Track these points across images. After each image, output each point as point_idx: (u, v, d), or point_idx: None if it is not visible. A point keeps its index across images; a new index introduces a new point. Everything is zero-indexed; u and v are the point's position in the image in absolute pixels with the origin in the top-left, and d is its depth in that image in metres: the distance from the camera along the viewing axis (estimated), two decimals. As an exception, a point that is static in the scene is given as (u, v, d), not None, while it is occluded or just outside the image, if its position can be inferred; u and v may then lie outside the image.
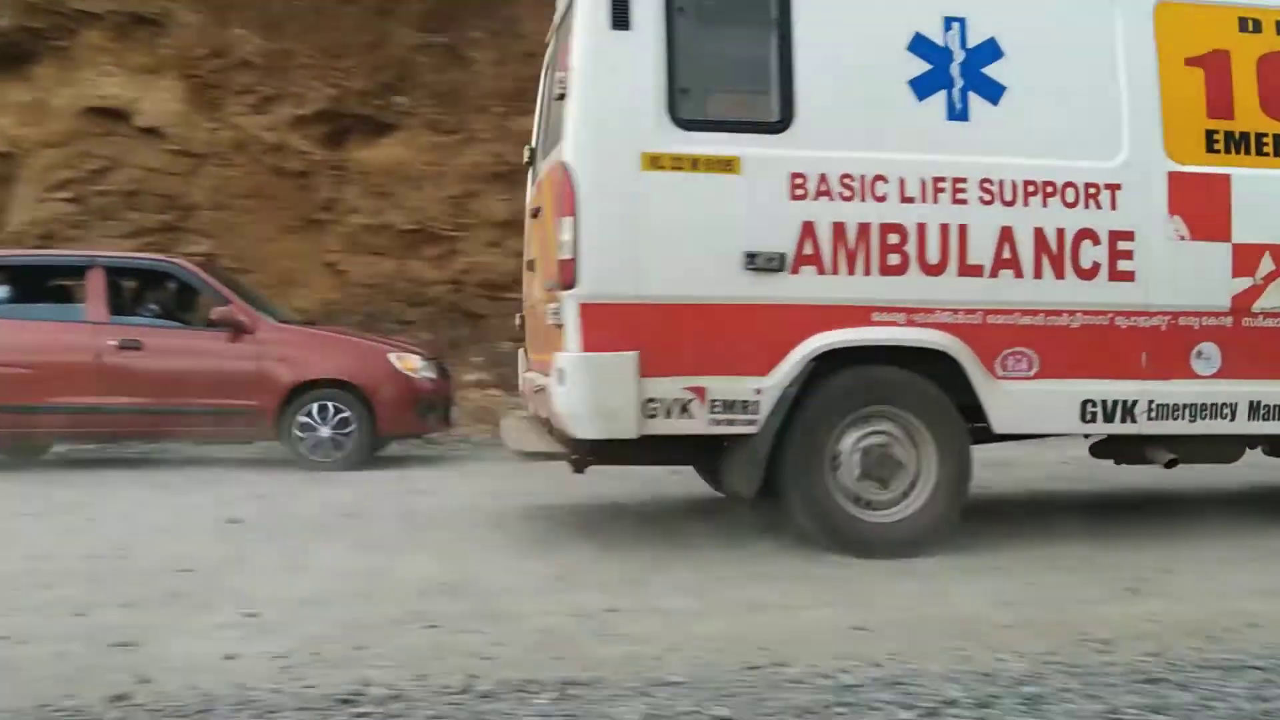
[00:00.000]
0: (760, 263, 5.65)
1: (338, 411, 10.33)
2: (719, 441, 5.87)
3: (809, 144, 5.70)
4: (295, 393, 10.28)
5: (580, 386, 5.52)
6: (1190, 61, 6.11)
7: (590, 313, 5.51)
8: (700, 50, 5.68)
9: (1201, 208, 6.03)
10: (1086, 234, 5.91)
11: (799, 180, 5.69)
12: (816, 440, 5.77)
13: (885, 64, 5.81)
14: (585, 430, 5.58)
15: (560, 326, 5.65)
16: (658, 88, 5.60)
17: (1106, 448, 6.53)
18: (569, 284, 5.54)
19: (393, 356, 10.71)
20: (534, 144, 7.28)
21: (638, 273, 5.53)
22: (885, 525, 5.84)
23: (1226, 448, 6.44)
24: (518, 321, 7.56)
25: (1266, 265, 6.11)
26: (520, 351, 7.61)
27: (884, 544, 5.79)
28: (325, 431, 10.30)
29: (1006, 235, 5.84)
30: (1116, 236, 5.94)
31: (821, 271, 5.69)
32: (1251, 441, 6.52)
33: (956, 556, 5.77)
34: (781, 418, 5.67)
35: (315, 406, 10.31)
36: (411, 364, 10.75)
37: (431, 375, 10.81)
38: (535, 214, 6.70)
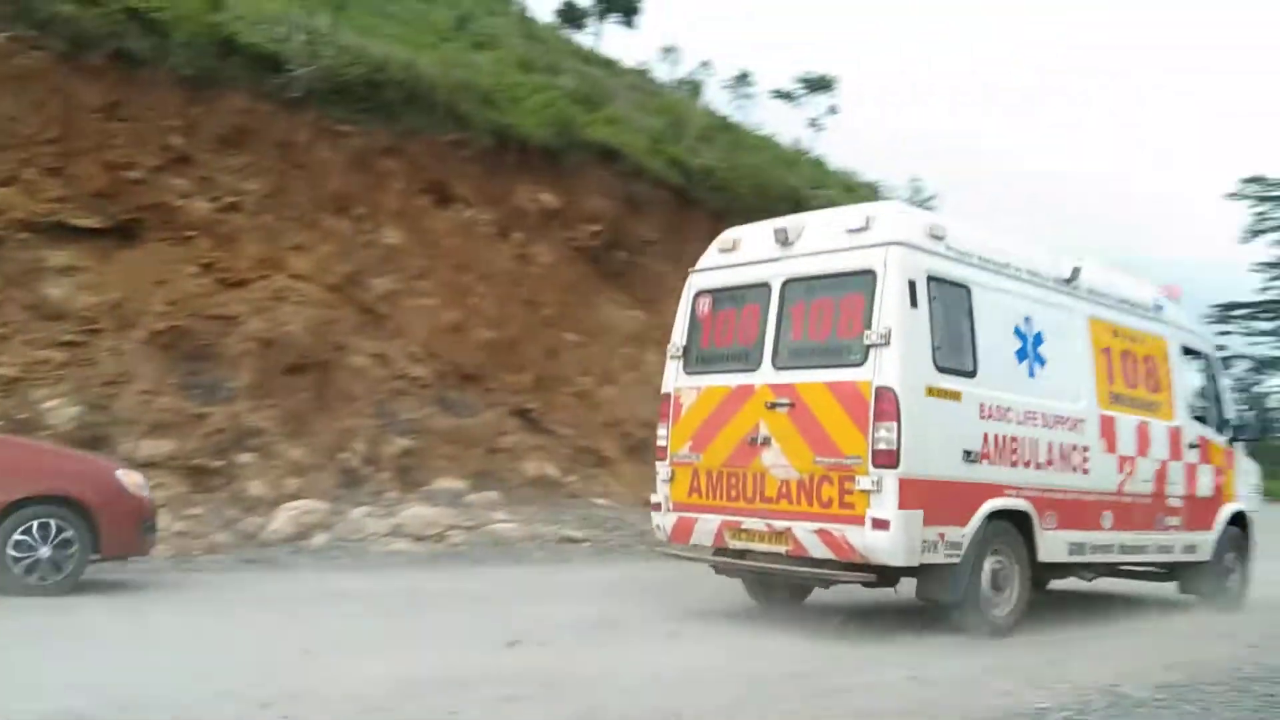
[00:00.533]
0: (970, 457, 9.39)
1: (59, 530, 10.02)
2: (924, 568, 9.27)
3: (984, 386, 9.58)
4: (8, 510, 9.88)
5: (899, 532, 8.88)
6: (1099, 350, 10.87)
7: (905, 485, 8.91)
8: (943, 324, 9.40)
9: (1108, 435, 10.72)
10: (1074, 447, 10.33)
11: (982, 407, 9.52)
12: (978, 565, 9.51)
13: (1007, 341, 9.91)
14: (898, 560, 8.95)
15: (868, 492, 8.91)
16: (929, 345, 9.23)
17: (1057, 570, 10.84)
18: (892, 466, 8.86)
19: (120, 473, 10.62)
20: (684, 343, 10.36)
21: (925, 460, 9.02)
22: (1001, 615, 9.67)
23: (1116, 568, 11.27)
24: (667, 475, 10.24)
25: (1128, 467, 10.93)
26: (662, 496, 10.25)
27: (1002, 627, 9.61)
28: (45, 551, 9.98)
29: (1048, 445, 10.08)
30: (1082, 449, 10.42)
31: (991, 463, 9.54)
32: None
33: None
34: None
35: (36, 524, 9.95)
36: (136, 480, 10.69)
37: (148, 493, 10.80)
38: (774, 407, 9.55)
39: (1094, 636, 9.81)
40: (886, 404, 8.89)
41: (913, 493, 8.91)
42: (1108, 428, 10.76)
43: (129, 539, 10.42)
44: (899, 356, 8.98)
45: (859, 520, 8.96)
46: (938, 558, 9.14)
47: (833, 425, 9.15)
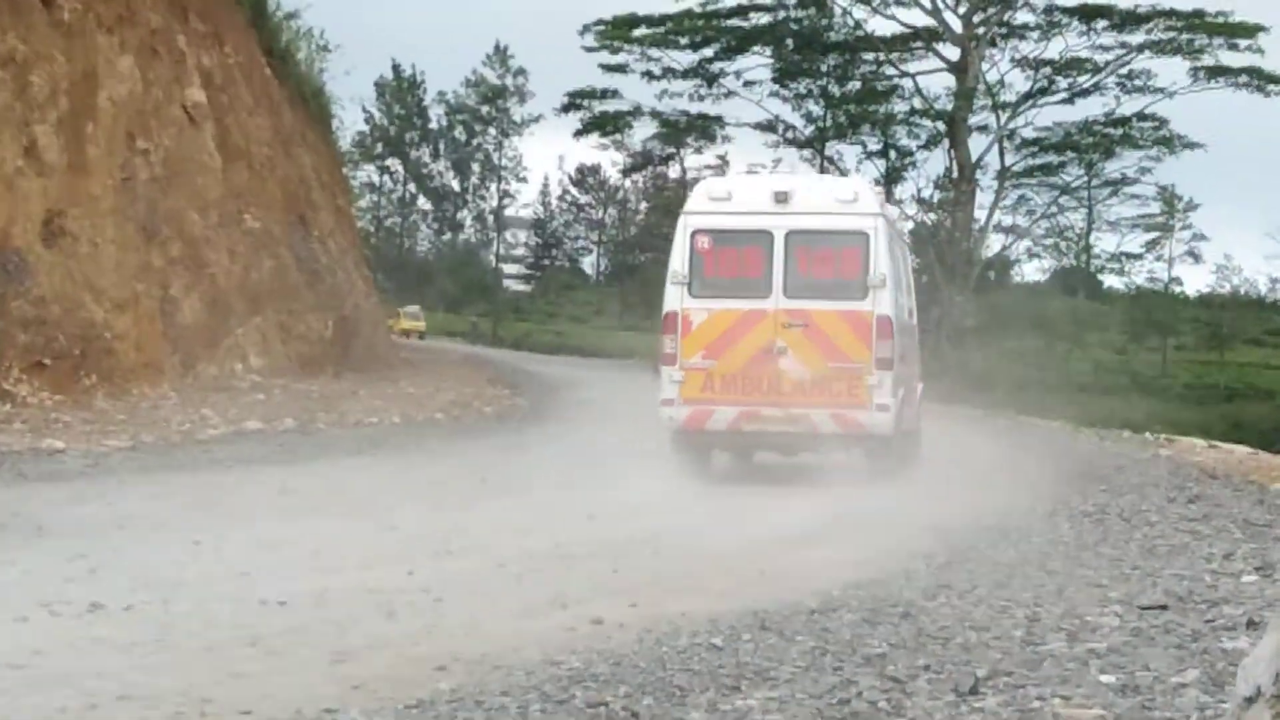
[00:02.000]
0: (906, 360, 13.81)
1: None
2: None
3: (905, 309, 14.13)
4: None
5: (894, 414, 13.02)
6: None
7: (894, 382, 13.07)
8: (897, 270, 13.69)
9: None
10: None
11: (911, 326, 14.29)
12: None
13: (904, 275, 13.86)
14: (889, 431, 12.99)
15: (872, 387, 12.83)
16: (898, 285, 13.54)
17: None
18: (889, 369, 12.90)
19: None
20: (686, 271, 13.15)
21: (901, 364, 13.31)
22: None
23: None
24: (679, 377, 13.04)
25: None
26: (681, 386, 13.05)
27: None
28: None
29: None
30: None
31: (911, 363, 13.66)
32: None
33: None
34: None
35: None
36: None
37: None
38: (790, 326, 13.00)
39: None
40: (885, 327, 12.99)
41: (897, 387, 13.18)
42: None
43: None
44: (889, 296, 13.06)
45: (865, 405, 12.84)
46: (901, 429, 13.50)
47: (842, 340, 12.96)
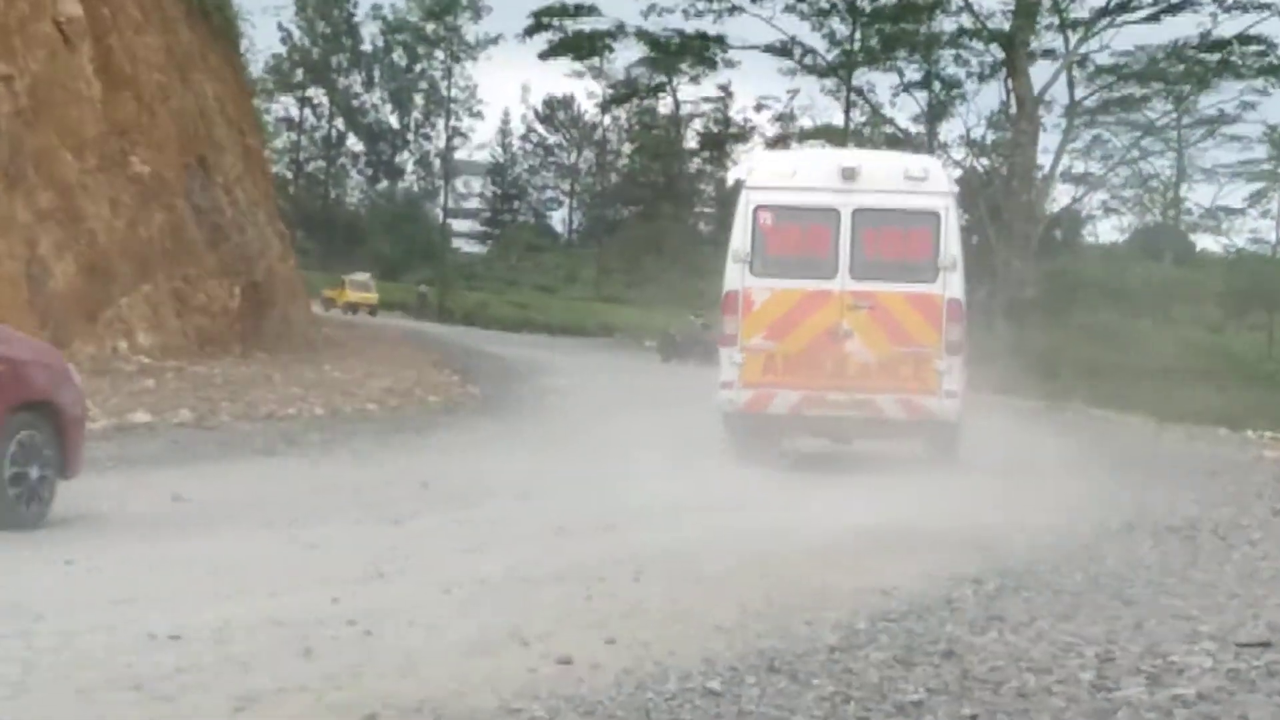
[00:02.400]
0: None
1: (39, 447, 9.82)
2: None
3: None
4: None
5: (961, 400, 15.08)
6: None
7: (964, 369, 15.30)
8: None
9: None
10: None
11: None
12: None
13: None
14: (956, 419, 15.02)
15: (941, 373, 14.85)
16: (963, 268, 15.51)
17: None
18: (959, 354, 14.96)
19: (71, 365, 10.81)
20: (748, 248, 15.22)
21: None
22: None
23: None
24: (739, 359, 14.89)
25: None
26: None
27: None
28: (35, 473, 9.77)
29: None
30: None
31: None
32: None
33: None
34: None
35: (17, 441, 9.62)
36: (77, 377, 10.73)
37: None
38: (856, 307, 15.06)
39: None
40: (955, 311, 15.01)
41: (965, 374, 15.27)
42: None
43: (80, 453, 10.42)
44: (959, 278, 15.06)
45: (934, 391, 14.88)
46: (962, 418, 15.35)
47: (910, 324, 14.98)
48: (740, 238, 15.14)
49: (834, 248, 15.02)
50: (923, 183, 15.25)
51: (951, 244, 15.04)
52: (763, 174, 15.75)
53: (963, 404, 15.17)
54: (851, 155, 18.63)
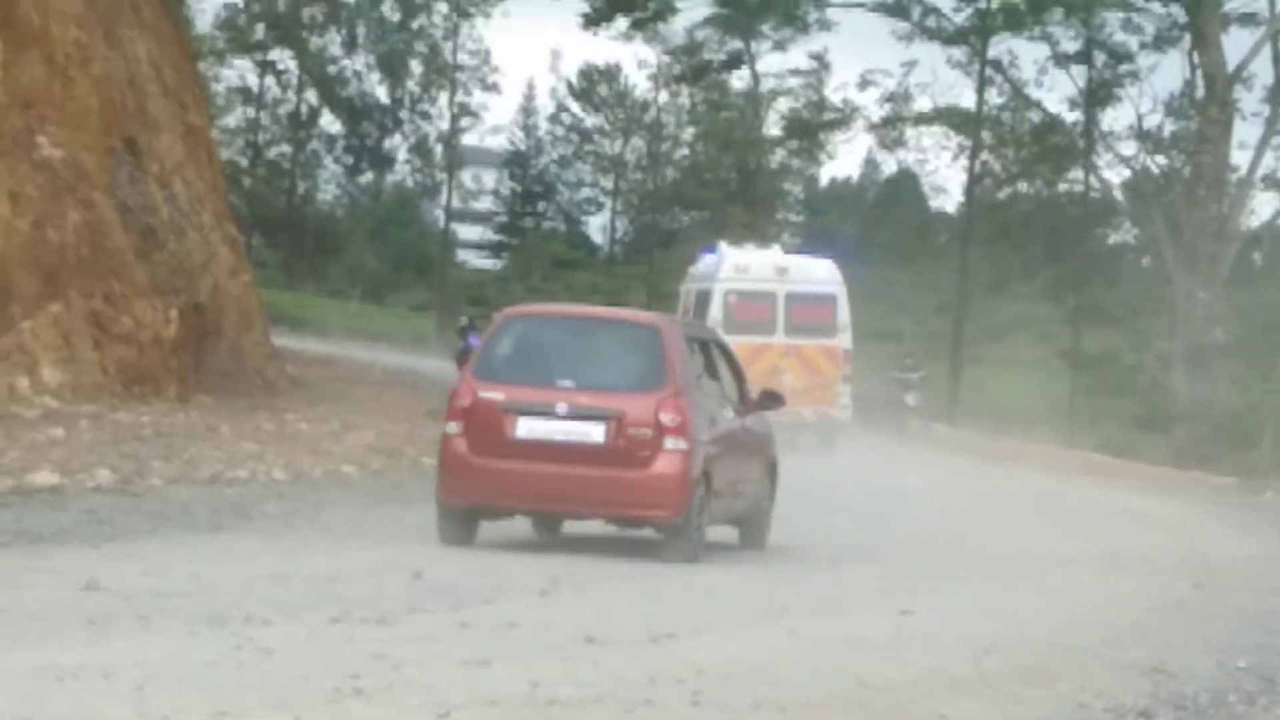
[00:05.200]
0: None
1: None
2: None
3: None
4: None
5: (851, 410, 36.97)
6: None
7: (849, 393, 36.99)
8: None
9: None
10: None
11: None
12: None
13: None
14: (848, 420, 36.96)
15: (838, 394, 35.73)
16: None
17: None
18: (848, 382, 36.26)
19: None
20: (721, 318, 34.25)
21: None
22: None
23: None
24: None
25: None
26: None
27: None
28: None
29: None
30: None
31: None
32: None
33: None
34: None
35: None
36: None
37: None
38: (788, 354, 34.56)
39: None
40: (847, 356, 35.08)
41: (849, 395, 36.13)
42: None
43: None
44: (848, 336, 35.14)
45: (833, 405, 34.84)
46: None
47: (821, 364, 34.80)
48: (716, 311, 33.41)
49: (773, 317, 34.24)
50: (826, 278, 35.20)
51: (843, 314, 34.55)
52: (728, 270, 34.88)
53: (851, 412, 34.86)
54: (783, 259, 36.99)
